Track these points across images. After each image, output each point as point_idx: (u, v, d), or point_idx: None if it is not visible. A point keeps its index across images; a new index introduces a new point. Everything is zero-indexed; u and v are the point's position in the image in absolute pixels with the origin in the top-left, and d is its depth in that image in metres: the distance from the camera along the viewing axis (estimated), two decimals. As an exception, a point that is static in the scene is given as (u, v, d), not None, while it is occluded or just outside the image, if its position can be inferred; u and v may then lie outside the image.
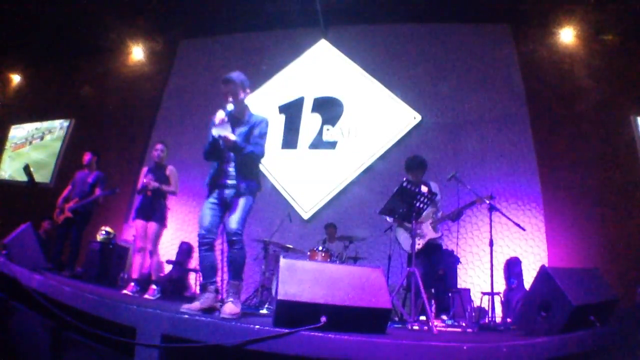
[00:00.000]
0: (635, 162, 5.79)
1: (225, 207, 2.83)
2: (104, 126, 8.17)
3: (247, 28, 7.95)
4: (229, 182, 2.81)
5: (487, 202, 3.79)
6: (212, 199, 2.82)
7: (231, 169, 2.82)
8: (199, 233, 2.79)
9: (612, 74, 6.22)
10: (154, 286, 3.89)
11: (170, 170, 4.33)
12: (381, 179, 6.44)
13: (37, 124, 8.98)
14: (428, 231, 3.95)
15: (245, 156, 2.76)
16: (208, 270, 2.79)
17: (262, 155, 2.84)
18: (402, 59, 7.20)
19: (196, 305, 2.61)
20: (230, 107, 2.75)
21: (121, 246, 5.93)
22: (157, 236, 4.14)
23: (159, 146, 4.36)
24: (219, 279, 3.05)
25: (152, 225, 4.09)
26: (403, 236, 4.01)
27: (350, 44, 7.48)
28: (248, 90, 2.89)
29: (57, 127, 8.74)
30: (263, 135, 2.86)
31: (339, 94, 7.25)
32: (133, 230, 6.77)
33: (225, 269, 2.99)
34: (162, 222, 4.17)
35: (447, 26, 7.17)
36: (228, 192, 2.80)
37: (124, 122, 8.14)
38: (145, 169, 4.35)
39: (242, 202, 2.75)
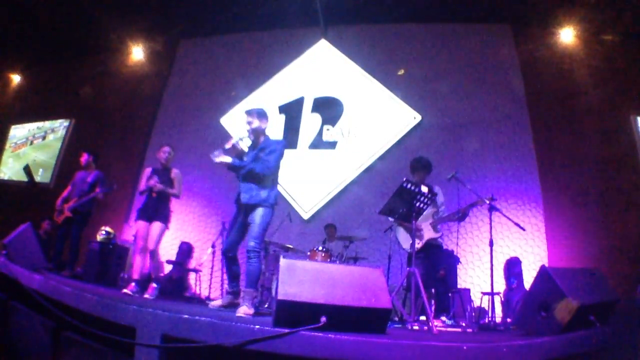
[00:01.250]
0: (635, 162, 5.79)
1: (245, 219, 3.21)
2: (104, 126, 8.17)
3: (247, 28, 7.96)
4: (239, 194, 3.22)
5: (488, 202, 3.79)
6: (237, 214, 3.29)
7: (241, 184, 3.24)
8: (222, 248, 3.45)
9: (612, 74, 6.22)
10: (154, 284, 3.87)
11: (175, 173, 4.29)
12: (381, 179, 6.44)
13: (39, 124, 8.94)
14: (427, 231, 3.95)
15: (246, 173, 3.15)
16: (230, 278, 3.35)
17: (263, 170, 3.14)
18: (402, 59, 7.20)
19: (218, 302, 3.29)
20: (246, 133, 3.30)
21: (121, 246, 5.93)
22: (160, 237, 4.10)
23: (166, 149, 4.31)
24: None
25: (155, 227, 4.05)
26: (403, 236, 4.02)
27: (350, 44, 7.49)
28: (265, 120, 3.35)
29: (59, 127, 8.69)
30: (271, 152, 3.21)
31: (339, 94, 7.25)
32: (133, 231, 6.78)
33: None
34: (165, 223, 4.13)
35: (447, 26, 7.17)
36: (241, 203, 3.20)
37: (124, 122, 8.15)
38: (148, 170, 4.29)
39: (257, 218, 3.11)
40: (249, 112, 3.33)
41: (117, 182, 5.31)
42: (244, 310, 2.93)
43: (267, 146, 3.25)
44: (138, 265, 4.02)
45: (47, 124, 8.87)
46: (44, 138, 8.74)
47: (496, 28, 6.99)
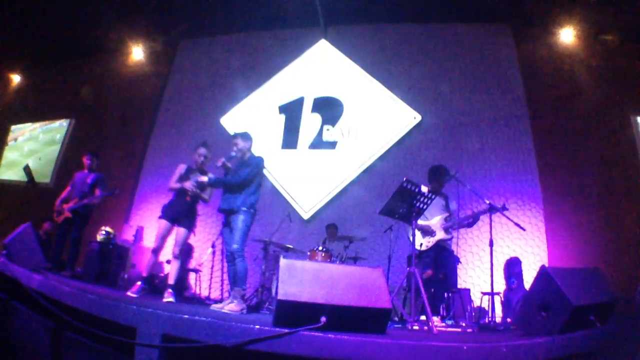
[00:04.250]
0: (635, 162, 5.79)
1: (228, 225, 3.63)
2: (104, 126, 8.17)
3: (247, 28, 7.95)
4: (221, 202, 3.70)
5: (497, 207, 3.76)
6: (223, 221, 3.72)
7: (222, 194, 3.75)
8: (225, 253, 3.75)
9: (612, 74, 6.22)
10: (170, 290, 3.80)
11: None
12: (381, 179, 6.43)
13: (13, 126, 9.24)
14: (439, 232, 3.96)
15: (223, 185, 3.71)
16: (231, 280, 3.59)
17: (235, 181, 3.64)
18: (402, 59, 7.20)
19: (221, 305, 3.43)
20: (233, 153, 3.77)
21: (121, 246, 5.93)
22: (184, 243, 4.02)
23: (202, 151, 4.17)
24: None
25: (181, 232, 3.95)
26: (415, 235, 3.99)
27: (350, 44, 7.48)
28: (249, 141, 3.85)
29: (28, 128, 9.10)
30: (247, 165, 3.71)
31: (339, 94, 7.25)
32: (133, 231, 6.76)
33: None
34: (191, 228, 4.03)
35: (447, 26, 7.16)
36: (222, 209, 3.66)
37: (124, 122, 8.14)
38: (182, 167, 4.13)
39: (238, 222, 3.51)
40: (234, 136, 3.91)
41: (117, 182, 5.32)
42: (231, 307, 3.29)
43: (247, 162, 3.77)
44: (150, 264, 3.96)
45: (20, 126, 9.18)
46: (15, 140, 9.22)
47: (496, 28, 6.98)
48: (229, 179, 3.69)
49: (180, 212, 3.97)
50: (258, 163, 3.77)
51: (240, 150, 3.79)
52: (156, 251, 3.96)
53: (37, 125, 9.01)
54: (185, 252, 6.53)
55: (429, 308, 2.94)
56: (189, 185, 3.89)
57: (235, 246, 3.48)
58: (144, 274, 3.92)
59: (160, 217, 4.00)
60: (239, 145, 3.80)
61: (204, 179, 3.75)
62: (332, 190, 6.68)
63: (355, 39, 7.52)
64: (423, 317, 3.34)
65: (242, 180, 3.62)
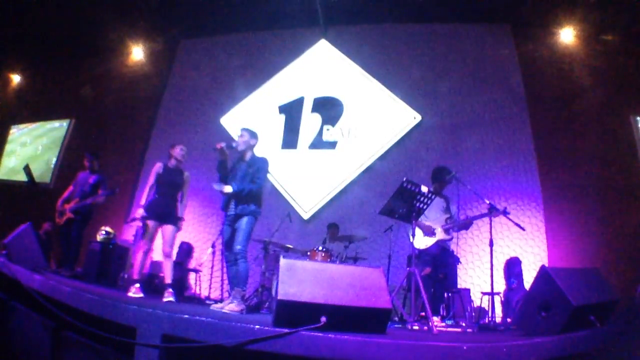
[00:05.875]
0: (635, 162, 5.78)
1: (233, 226, 3.56)
2: (104, 126, 8.17)
3: (247, 28, 7.95)
4: (232, 206, 3.57)
5: (499, 209, 3.76)
6: (226, 222, 3.61)
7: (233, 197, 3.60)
8: (224, 254, 3.69)
9: (612, 74, 6.21)
10: (170, 289, 3.84)
11: (187, 176, 4.19)
12: (381, 179, 6.43)
13: (12, 126, 9.33)
14: (439, 232, 3.96)
15: (246, 194, 3.51)
16: (231, 280, 3.55)
17: (258, 188, 3.59)
18: (402, 59, 7.20)
19: (221, 305, 3.43)
20: (235, 144, 3.67)
21: (121, 246, 5.92)
22: (174, 240, 4.08)
23: (183, 147, 4.24)
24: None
25: (169, 230, 4.00)
26: (417, 235, 4.00)
27: (350, 44, 7.48)
28: (255, 140, 3.78)
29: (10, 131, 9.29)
30: (260, 169, 3.63)
31: (339, 94, 7.25)
32: (134, 231, 6.75)
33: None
34: (177, 225, 4.08)
35: (447, 26, 7.16)
36: (232, 214, 3.55)
37: (124, 122, 8.14)
38: (159, 165, 4.17)
39: (243, 224, 3.47)
40: (243, 129, 3.82)
41: (117, 182, 5.32)
42: (231, 307, 3.28)
43: (254, 163, 3.67)
44: (139, 265, 3.98)
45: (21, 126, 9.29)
46: None
47: (496, 28, 6.98)
48: (251, 187, 3.55)
49: (165, 210, 4.02)
50: (265, 164, 3.72)
51: (245, 144, 3.71)
52: (147, 252, 3.99)
53: (15, 129, 9.23)
54: (185, 252, 6.55)
55: (429, 308, 2.94)
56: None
57: (238, 247, 3.46)
58: (135, 276, 3.92)
59: (146, 218, 3.98)
60: (244, 138, 3.71)
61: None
62: (332, 190, 6.68)
63: (355, 39, 7.52)
64: (422, 313, 3.34)
65: (261, 186, 3.61)
